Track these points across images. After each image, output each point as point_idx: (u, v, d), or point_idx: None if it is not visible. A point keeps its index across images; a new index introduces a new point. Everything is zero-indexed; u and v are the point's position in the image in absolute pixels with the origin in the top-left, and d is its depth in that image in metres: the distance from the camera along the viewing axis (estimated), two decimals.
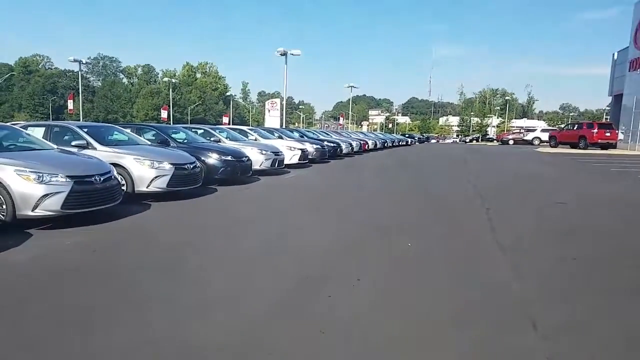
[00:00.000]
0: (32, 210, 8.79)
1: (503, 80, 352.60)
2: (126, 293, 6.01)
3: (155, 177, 12.61)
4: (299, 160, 25.54)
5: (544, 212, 12.54)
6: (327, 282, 6.53)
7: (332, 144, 34.35)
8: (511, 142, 75.65)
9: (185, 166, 13.47)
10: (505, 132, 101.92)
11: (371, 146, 49.58)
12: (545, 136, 64.52)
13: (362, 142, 45.58)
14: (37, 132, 13.10)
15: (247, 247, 8.52)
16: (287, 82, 52.84)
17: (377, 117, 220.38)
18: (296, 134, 33.99)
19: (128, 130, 16.03)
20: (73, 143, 12.56)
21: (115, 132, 15.51)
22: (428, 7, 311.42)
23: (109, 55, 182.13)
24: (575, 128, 50.67)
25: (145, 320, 5.17)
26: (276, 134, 29.18)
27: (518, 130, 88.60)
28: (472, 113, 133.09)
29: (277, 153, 21.83)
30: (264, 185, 17.67)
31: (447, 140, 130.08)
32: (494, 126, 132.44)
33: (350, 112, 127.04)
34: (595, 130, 45.53)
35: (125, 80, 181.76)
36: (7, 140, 11.12)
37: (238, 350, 4.55)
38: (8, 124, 14.64)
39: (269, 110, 68.80)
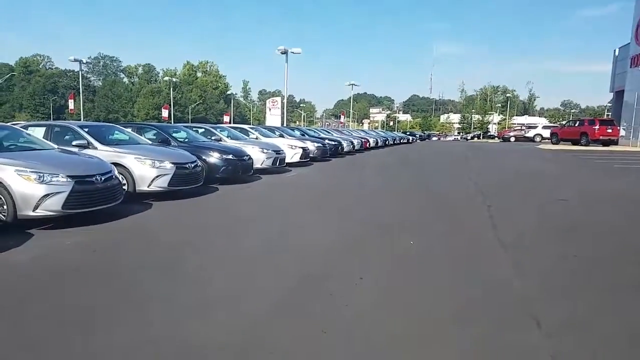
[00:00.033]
0: (33, 211, 8.78)
1: (504, 78, 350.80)
2: (127, 293, 6.00)
3: (157, 176, 12.60)
4: (300, 158, 25.55)
5: (546, 209, 12.53)
6: (329, 280, 6.52)
7: (333, 142, 34.31)
8: (512, 139, 75.33)
9: (187, 165, 13.46)
10: (506, 129, 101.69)
11: (372, 144, 49.50)
12: (546, 133, 64.29)
13: (363, 140, 45.57)
14: (38, 132, 13.10)
15: (248, 246, 8.51)
16: (288, 81, 52.79)
17: (378, 115, 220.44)
18: (297, 133, 33.99)
19: (129, 130, 16.04)
20: (74, 143, 12.56)
21: (116, 132, 15.50)
22: (428, 5, 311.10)
23: (109, 54, 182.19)
24: (576, 125, 50.50)
25: (147, 319, 5.16)
26: (277, 133, 29.13)
27: (519, 128, 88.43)
28: (473, 110, 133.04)
29: (278, 152, 21.79)
30: (265, 184, 17.65)
31: (449, 138, 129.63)
32: (495, 123, 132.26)
33: (351, 110, 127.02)
34: (597, 127, 45.51)
35: (125, 79, 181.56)
36: (7, 140, 11.12)
37: (239, 349, 4.54)
38: (9, 124, 14.62)
39: (270, 109, 68.89)
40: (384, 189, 17.26)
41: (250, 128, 27.51)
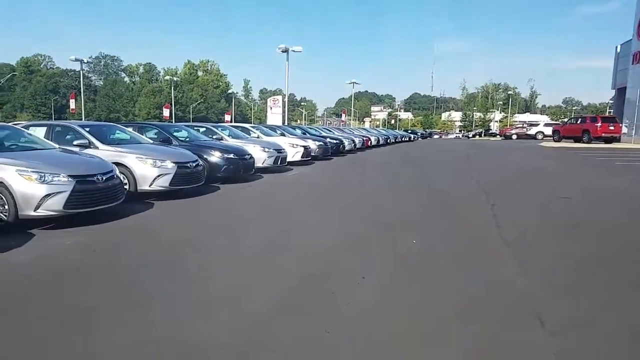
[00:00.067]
0: (34, 210, 8.77)
1: (505, 75, 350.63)
2: (128, 292, 5.99)
3: (158, 175, 12.59)
4: (301, 157, 25.51)
5: (549, 207, 12.50)
6: (331, 279, 6.51)
7: (334, 141, 34.23)
8: (514, 136, 75.21)
9: (188, 164, 13.44)
10: (508, 126, 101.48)
11: (374, 142, 49.42)
12: (548, 130, 64.10)
13: (364, 138, 45.54)
14: (39, 132, 13.09)
15: (250, 245, 8.50)
16: (289, 79, 52.80)
17: (379, 113, 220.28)
18: (298, 131, 33.94)
19: (130, 129, 16.02)
20: (75, 142, 12.54)
21: (117, 131, 15.49)
22: (429, 2, 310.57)
23: (110, 54, 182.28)
24: (578, 122, 50.14)
25: (148, 319, 5.15)
26: (278, 131, 29.11)
27: (521, 125, 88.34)
28: (474, 108, 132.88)
29: (279, 150, 21.75)
30: (266, 183, 17.64)
31: (450, 136, 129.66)
32: (496, 121, 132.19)
33: (352, 109, 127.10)
34: (599, 124, 45.18)
35: (127, 79, 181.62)
36: (8, 140, 11.11)
37: (240, 348, 4.53)
38: (10, 124, 14.61)
39: (271, 108, 68.85)
40: (386, 187, 17.25)
41: (251, 127, 27.45)
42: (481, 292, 6.04)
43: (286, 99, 62.20)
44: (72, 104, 72.72)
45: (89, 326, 4.94)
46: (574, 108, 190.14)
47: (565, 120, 72.31)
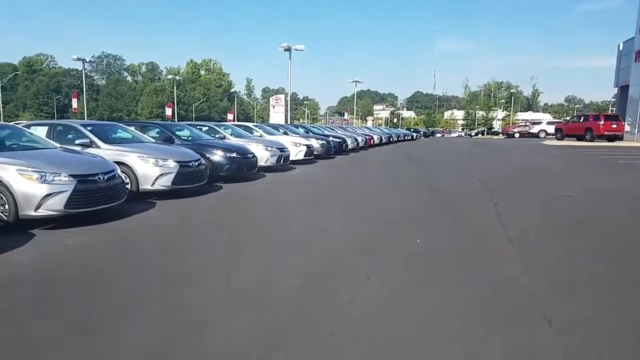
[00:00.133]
0: (35, 210, 8.72)
1: (508, 74, 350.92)
2: (129, 294, 5.93)
3: (160, 175, 12.54)
4: (304, 156, 25.45)
5: (552, 205, 12.47)
6: (334, 279, 6.46)
7: (337, 140, 34.20)
8: (517, 135, 75.30)
9: (190, 164, 13.40)
10: (510, 125, 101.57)
11: (376, 141, 49.44)
12: (551, 129, 64.27)
13: (367, 137, 45.52)
14: (40, 131, 13.05)
15: (252, 245, 8.46)
16: (292, 78, 52.80)
17: (382, 112, 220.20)
18: (301, 130, 33.90)
19: (132, 128, 15.99)
20: (76, 142, 12.51)
21: (119, 130, 15.47)
22: (431, 1, 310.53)
23: (113, 53, 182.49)
24: (581, 120, 50.30)
25: (148, 320, 5.09)
26: (281, 130, 29.09)
27: (524, 123, 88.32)
28: (477, 106, 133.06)
29: (282, 149, 21.72)
30: (269, 182, 17.60)
31: (453, 134, 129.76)
32: (499, 119, 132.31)
33: (355, 107, 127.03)
34: (602, 122, 45.24)
35: (129, 78, 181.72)
36: (9, 140, 11.09)
37: (242, 348, 4.49)
38: (11, 123, 14.57)
39: (274, 107, 68.62)
40: (389, 186, 17.19)
41: (254, 126, 27.38)
42: (487, 291, 5.99)
43: (289, 98, 62.01)
44: (75, 103, 72.61)
45: (90, 327, 4.89)
46: (576, 106, 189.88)
47: (568, 118, 72.29)
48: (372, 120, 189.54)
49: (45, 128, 13.64)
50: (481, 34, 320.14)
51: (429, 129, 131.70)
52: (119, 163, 11.55)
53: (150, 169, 12.48)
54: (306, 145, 26.07)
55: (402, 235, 9.09)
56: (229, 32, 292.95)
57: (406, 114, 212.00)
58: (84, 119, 67.93)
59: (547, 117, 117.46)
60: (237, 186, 15.83)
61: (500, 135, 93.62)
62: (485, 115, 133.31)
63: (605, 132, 44.85)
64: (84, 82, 77.10)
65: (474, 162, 27.35)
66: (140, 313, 5.30)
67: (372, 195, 14.90)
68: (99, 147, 12.63)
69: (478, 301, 5.70)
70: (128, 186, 11.89)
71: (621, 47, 57.12)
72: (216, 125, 22.96)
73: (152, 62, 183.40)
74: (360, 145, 41.05)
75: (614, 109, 78.99)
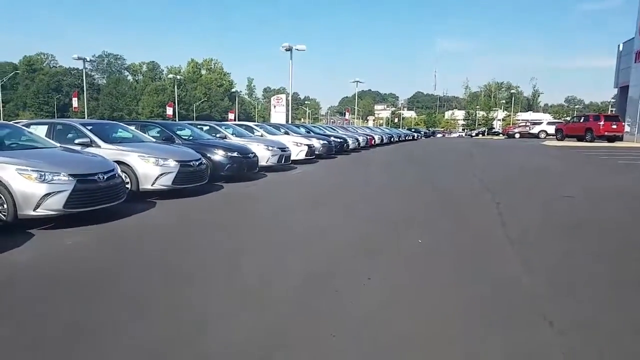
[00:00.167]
0: (34, 210, 8.66)
1: (508, 74, 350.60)
2: (129, 294, 5.89)
3: (160, 174, 12.48)
4: (305, 156, 25.42)
5: (554, 206, 12.44)
6: (336, 279, 6.42)
7: (338, 139, 34.18)
8: (517, 135, 75.30)
9: (191, 163, 13.34)
10: (511, 125, 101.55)
11: (377, 141, 49.43)
12: (551, 129, 64.30)
13: (368, 137, 45.51)
14: (40, 131, 13.00)
15: (253, 245, 8.42)
16: (293, 78, 52.83)
17: (382, 112, 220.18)
18: (302, 130, 33.86)
19: (132, 128, 15.94)
20: (76, 141, 12.46)
21: (120, 130, 15.44)
22: (432, 2, 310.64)
23: (113, 52, 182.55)
24: (581, 121, 50.32)
25: (148, 321, 5.04)
26: (282, 130, 29.03)
27: (524, 124, 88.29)
28: (477, 107, 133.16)
29: (283, 149, 21.70)
30: (270, 182, 17.57)
31: (453, 135, 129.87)
32: (499, 120, 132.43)
33: (356, 107, 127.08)
34: (602, 123, 45.27)
35: (130, 77, 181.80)
36: (9, 139, 11.04)
37: (243, 348, 4.47)
38: (11, 122, 14.53)
39: (275, 106, 68.72)
40: (390, 186, 17.15)
41: (255, 125, 27.35)
42: (489, 292, 5.96)
43: (290, 98, 62.15)
44: (75, 102, 72.63)
45: (89, 328, 4.84)
46: (576, 107, 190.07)
47: (568, 119, 72.35)
48: (373, 120, 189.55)
49: (45, 127, 13.59)
50: (481, 34, 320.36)
51: (430, 129, 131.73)
52: (119, 162, 11.49)
53: (151, 168, 12.43)
54: (307, 145, 26.05)
55: (403, 235, 9.06)
56: (229, 32, 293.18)
57: (407, 114, 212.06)
58: (84, 118, 67.90)
59: (547, 117, 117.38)
60: (238, 186, 15.79)
61: (501, 135, 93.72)
62: (485, 115, 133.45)
63: (606, 133, 44.88)
64: (85, 81, 77.18)
65: (474, 162, 27.37)
66: (140, 313, 5.26)
67: (373, 195, 14.87)
68: (99, 146, 12.58)
69: (480, 301, 5.67)
70: (128, 186, 11.86)
71: (621, 48, 57.22)
72: (217, 125, 22.96)
73: (153, 62, 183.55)
74: (361, 145, 41.01)
75: (614, 109, 79.12)
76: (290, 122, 56.88)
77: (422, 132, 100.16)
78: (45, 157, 9.79)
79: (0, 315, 5.21)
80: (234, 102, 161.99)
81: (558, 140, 52.42)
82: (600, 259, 7.54)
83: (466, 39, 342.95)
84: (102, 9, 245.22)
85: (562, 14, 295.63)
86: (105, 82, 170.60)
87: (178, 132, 17.37)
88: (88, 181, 9.42)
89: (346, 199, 13.89)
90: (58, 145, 11.44)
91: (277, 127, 30.36)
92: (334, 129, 44.10)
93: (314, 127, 42.09)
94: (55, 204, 8.80)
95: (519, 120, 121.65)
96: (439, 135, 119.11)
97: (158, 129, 17.62)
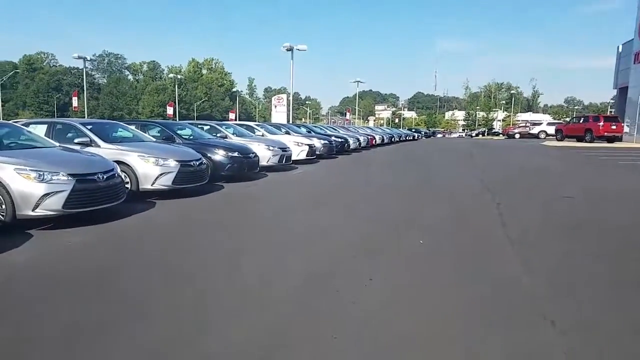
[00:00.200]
0: (33, 210, 8.60)
1: (508, 75, 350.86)
2: (129, 294, 5.85)
3: (160, 174, 12.42)
4: (306, 155, 25.40)
5: (554, 206, 12.43)
6: (337, 279, 6.39)
7: (339, 139, 34.17)
8: (517, 135, 75.52)
9: (191, 163, 13.28)
10: (511, 125, 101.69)
11: (378, 141, 49.48)
12: (551, 130, 64.59)
13: (369, 137, 45.52)
14: (40, 130, 12.95)
15: (253, 245, 8.39)
16: (294, 78, 52.82)
17: (383, 112, 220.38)
18: (303, 130, 33.86)
19: (133, 127, 15.89)
20: (76, 140, 12.42)
21: (120, 129, 15.40)
22: (432, 2, 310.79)
23: (114, 52, 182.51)
24: (581, 121, 50.61)
25: (149, 322, 5.00)
26: (283, 130, 29.02)
27: (524, 124, 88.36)
28: (477, 107, 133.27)
29: (284, 149, 21.66)
30: (271, 182, 17.53)
31: (453, 135, 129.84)
32: (499, 120, 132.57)
33: (356, 107, 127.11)
34: (602, 123, 45.55)
35: (130, 77, 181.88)
36: (7, 138, 10.99)
37: (244, 348, 4.45)
38: (10, 121, 14.47)
39: (276, 106, 68.57)
40: (391, 186, 17.08)
41: (256, 125, 27.32)
42: (489, 292, 5.93)
43: (291, 98, 62.25)
44: (75, 101, 72.72)
45: (89, 329, 4.80)
46: (575, 107, 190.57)
47: (568, 119, 72.50)
48: (374, 121, 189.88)
49: (45, 127, 13.53)
50: (481, 34, 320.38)
51: (430, 129, 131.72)
52: (119, 162, 11.44)
53: (151, 168, 12.37)
54: (308, 144, 26.01)
55: (404, 236, 9.03)
56: (229, 32, 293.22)
57: (407, 114, 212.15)
58: (84, 117, 67.93)
59: (547, 118, 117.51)
60: (239, 186, 15.75)
61: (501, 135, 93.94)
62: (485, 116, 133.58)
63: (605, 133, 45.14)
64: (85, 80, 77.22)
65: (475, 162, 27.41)
66: (141, 313, 5.22)
67: (374, 195, 14.86)
68: (98, 146, 12.53)
69: (481, 301, 5.64)
70: (128, 186, 11.80)
71: (620, 49, 57.53)
72: (218, 125, 22.96)
73: (154, 61, 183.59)
74: (362, 145, 41.04)
75: (613, 110, 79.24)
76: (291, 122, 56.93)
77: (423, 133, 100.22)
78: (44, 157, 9.75)
79: None
80: (235, 102, 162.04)
81: (558, 140, 52.62)
82: (600, 259, 7.54)
83: (466, 39, 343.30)
84: (102, 9, 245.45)
85: (562, 15, 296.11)
86: (105, 81, 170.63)
87: (178, 132, 17.34)
88: (87, 181, 9.36)
89: (347, 199, 13.86)
90: (57, 144, 11.38)
91: (278, 126, 30.36)
92: (335, 129, 44.13)
93: (315, 127, 42.11)
94: (54, 204, 8.75)
95: (518, 120, 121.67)
96: (439, 136, 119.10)
97: (158, 129, 17.59)
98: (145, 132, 16.10)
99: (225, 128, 22.26)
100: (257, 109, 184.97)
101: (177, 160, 12.82)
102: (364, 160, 30.43)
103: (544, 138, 64.89)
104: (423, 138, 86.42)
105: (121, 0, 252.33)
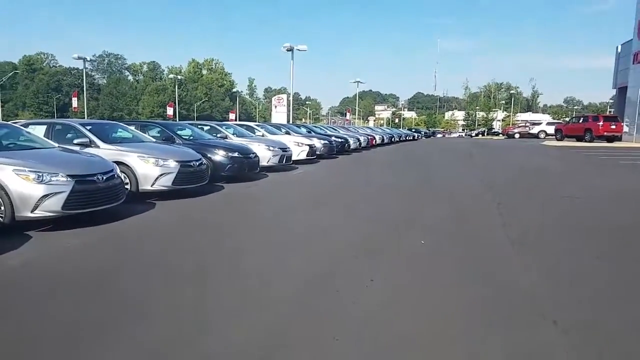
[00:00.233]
0: (32, 212, 8.55)
1: (507, 75, 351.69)
2: (129, 296, 5.81)
3: (160, 175, 12.37)
4: (306, 156, 25.38)
5: (556, 206, 12.41)
6: (338, 280, 6.36)
7: (339, 140, 34.16)
8: (517, 135, 75.64)
9: (191, 163, 13.23)
10: (510, 125, 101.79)
11: (378, 141, 49.52)
12: (551, 129, 64.83)
13: (369, 137, 45.54)
14: (39, 131, 12.90)
15: (253, 245, 8.36)
16: (294, 78, 52.84)
17: (383, 112, 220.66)
18: (303, 130, 33.82)
19: (132, 128, 15.85)
20: (75, 141, 12.38)
21: (119, 130, 15.36)
22: (432, 2, 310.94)
23: (114, 52, 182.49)
24: (581, 121, 50.81)
25: (148, 327, 4.95)
26: (283, 130, 29.00)
27: (524, 124, 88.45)
28: (477, 107, 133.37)
29: (284, 149, 21.61)
30: (271, 182, 17.50)
31: (453, 135, 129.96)
32: (499, 120, 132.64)
33: (356, 108, 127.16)
34: (601, 123, 45.73)
35: (130, 77, 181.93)
36: (6, 139, 10.94)
37: (243, 348, 4.44)
38: (9, 122, 14.42)
39: (276, 106, 68.58)
40: (391, 186, 17.05)
41: (256, 125, 27.32)
42: (491, 292, 5.88)
43: (291, 98, 62.28)
44: (75, 102, 72.62)
45: (89, 331, 4.77)
46: (574, 107, 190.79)
47: (568, 119, 72.65)
48: (374, 121, 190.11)
49: (44, 127, 13.49)
50: (481, 34, 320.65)
51: (430, 129, 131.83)
52: (118, 163, 11.40)
53: (151, 169, 12.31)
54: (308, 145, 26.01)
55: (404, 236, 9.00)
56: (229, 32, 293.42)
57: (407, 114, 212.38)
58: (84, 118, 67.88)
59: (546, 118, 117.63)
60: (239, 186, 15.71)
61: (501, 135, 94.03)
62: (485, 116, 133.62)
63: (605, 133, 45.30)
64: (85, 81, 77.24)
65: (475, 162, 27.50)
66: (141, 313, 5.20)
67: (374, 195, 14.83)
68: (98, 146, 12.48)
69: (482, 301, 5.62)
70: (127, 186, 11.75)
71: (619, 49, 57.83)
72: (218, 125, 22.91)
73: (154, 62, 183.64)
74: (362, 145, 41.05)
75: (612, 110, 79.41)
76: (291, 122, 56.91)
77: (423, 133, 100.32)
78: (44, 158, 9.71)
79: None
80: (235, 102, 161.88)
81: (557, 140, 52.77)
82: (601, 259, 7.52)
83: (466, 38, 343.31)
84: (102, 9, 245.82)
85: (562, 15, 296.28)
86: (105, 82, 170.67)
87: (178, 132, 17.29)
88: (87, 182, 9.30)
89: (347, 199, 13.84)
90: (56, 145, 11.34)
91: (278, 127, 30.34)
92: (335, 129, 44.17)
93: (315, 127, 42.12)
94: (53, 206, 8.69)
95: (518, 120, 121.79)
96: (439, 136, 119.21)
97: (158, 129, 17.54)
98: (145, 133, 16.06)
99: (226, 128, 22.21)
100: (257, 109, 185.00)
101: (177, 161, 12.77)
102: (364, 160, 30.45)
103: (544, 138, 64.99)
104: (423, 138, 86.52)
105: (121, 0, 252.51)
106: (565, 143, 46.98)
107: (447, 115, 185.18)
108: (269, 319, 5.06)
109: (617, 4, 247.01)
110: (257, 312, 5.26)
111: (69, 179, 8.94)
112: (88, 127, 13.22)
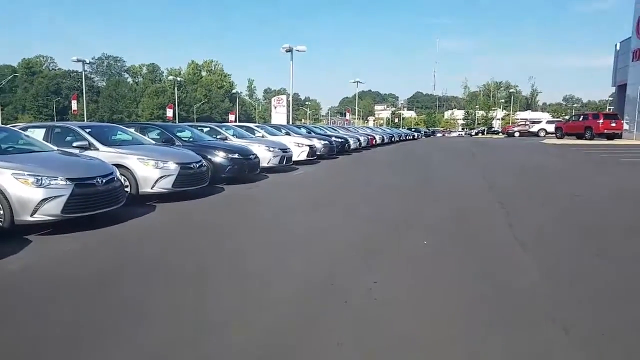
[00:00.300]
0: (31, 215, 8.50)
1: (506, 73, 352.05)
2: (129, 299, 5.77)
3: (160, 177, 12.32)
4: (307, 156, 25.39)
5: (559, 205, 12.41)
6: (339, 282, 6.31)
7: (339, 140, 34.14)
8: (517, 134, 75.78)
9: (191, 165, 13.19)
10: (510, 124, 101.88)
11: (378, 141, 49.54)
12: (550, 128, 65.04)
13: (369, 137, 45.55)
14: (38, 134, 12.85)
15: (253, 247, 8.33)
16: (293, 79, 52.84)
17: (383, 112, 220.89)
18: (303, 130, 33.74)
19: (132, 130, 15.80)
20: (74, 144, 12.32)
21: (119, 132, 15.30)
22: (431, 2, 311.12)
23: (113, 54, 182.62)
24: (581, 119, 50.88)
25: (148, 333, 4.90)
26: (283, 131, 28.97)
27: (523, 123, 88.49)
28: (476, 106, 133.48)
29: (284, 150, 21.57)
30: (272, 183, 17.47)
31: (453, 134, 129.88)
32: (499, 119, 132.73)
33: (356, 108, 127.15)
34: (601, 121, 45.81)
35: (130, 79, 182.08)
36: (5, 143, 10.85)
37: (243, 348, 4.43)
38: (8, 125, 14.38)
39: (275, 107, 68.50)
40: (392, 186, 16.99)
41: (256, 126, 27.33)
42: (491, 292, 5.86)
43: (290, 98, 62.16)
44: (74, 105, 72.64)
45: (89, 333, 4.74)
46: (574, 105, 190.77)
47: (568, 117, 72.71)
48: (374, 121, 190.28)
49: (43, 130, 13.43)
50: (480, 33, 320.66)
51: (430, 128, 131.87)
52: (118, 165, 11.37)
53: (150, 171, 12.27)
54: (308, 145, 26.00)
55: (404, 236, 8.98)
56: (229, 33, 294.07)
57: (407, 114, 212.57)
58: (83, 120, 67.87)
59: (546, 116, 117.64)
60: (240, 188, 15.67)
61: (500, 134, 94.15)
62: (485, 114, 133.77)
63: (605, 131, 45.38)
64: (84, 83, 77.18)
65: (476, 161, 27.47)
66: (141, 315, 5.19)
67: (375, 195, 14.80)
68: (97, 149, 12.43)
69: (483, 302, 5.59)
70: (127, 189, 11.69)
71: (618, 47, 57.99)
72: (218, 126, 22.86)
73: (153, 64, 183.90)
74: (362, 145, 41.07)
75: (612, 107, 79.49)
76: (291, 122, 56.88)
77: (422, 132, 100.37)
78: (42, 161, 9.65)
79: None
80: (235, 104, 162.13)
81: (557, 138, 52.91)
82: (603, 259, 7.51)
83: (465, 38, 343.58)
84: (102, 11, 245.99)
85: (560, 13, 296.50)
86: (104, 84, 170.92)
87: (178, 134, 17.27)
88: (86, 185, 9.25)
89: (348, 200, 13.81)
90: (55, 148, 11.29)
91: (278, 127, 30.37)
92: (335, 129, 44.12)
93: (315, 127, 42.10)
94: (52, 209, 8.64)
95: (518, 119, 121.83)
96: (439, 135, 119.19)
97: (158, 131, 17.51)
98: (144, 135, 16.01)
99: (225, 130, 22.17)
100: (256, 110, 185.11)
101: (177, 163, 12.73)
102: (365, 160, 30.46)
103: (544, 136, 65.15)
104: (423, 137, 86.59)
105: (120, 2, 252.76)
106: (566, 141, 47.03)
107: (447, 114, 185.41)
108: (269, 320, 5.05)
109: (616, 3, 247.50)
110: (258, 312, 5.24)
111: (68, 182, 8.89)
112: (87, 130, 13.17)
